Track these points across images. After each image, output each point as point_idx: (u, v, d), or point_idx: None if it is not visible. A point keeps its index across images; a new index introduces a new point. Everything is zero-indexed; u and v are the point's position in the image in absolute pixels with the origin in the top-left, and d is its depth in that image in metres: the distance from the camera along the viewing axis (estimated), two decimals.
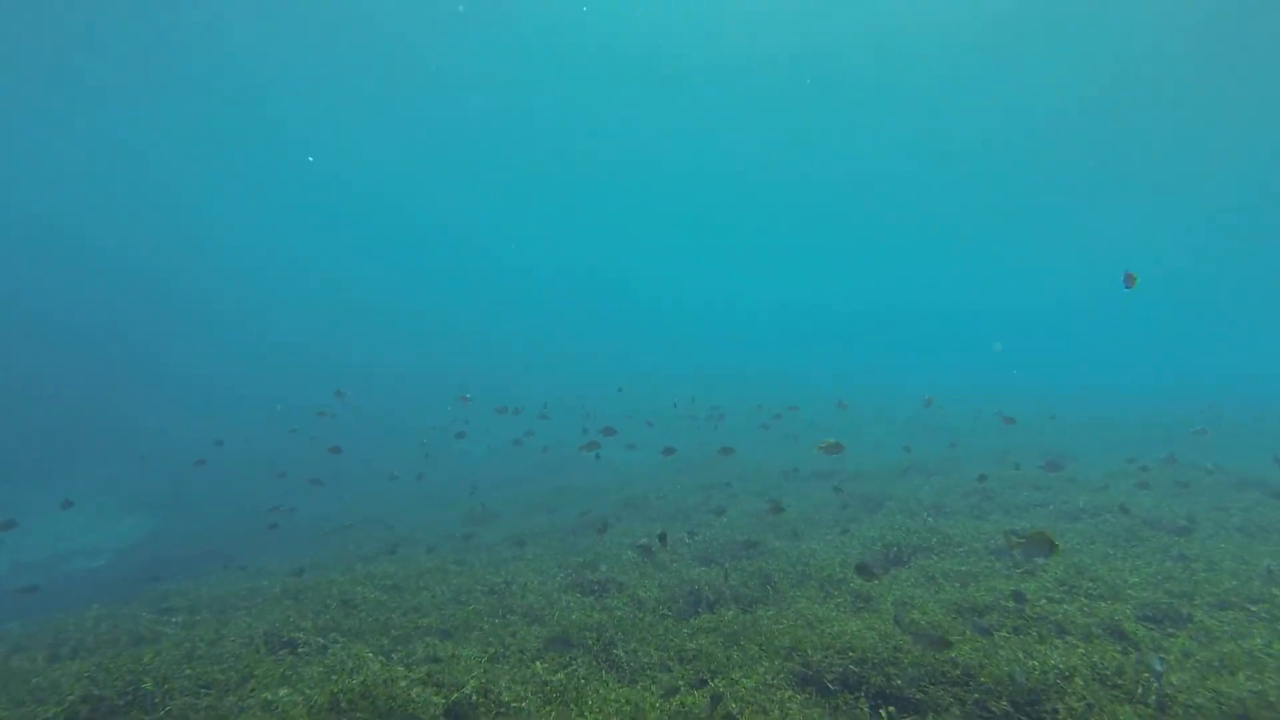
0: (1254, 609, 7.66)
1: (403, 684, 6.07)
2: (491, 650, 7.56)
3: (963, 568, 9.33)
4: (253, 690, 6.63)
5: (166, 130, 55.01)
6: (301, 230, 79.73)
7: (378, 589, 10.73)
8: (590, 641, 7.67)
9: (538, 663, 7.11)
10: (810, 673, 6.53)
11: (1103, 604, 7.74)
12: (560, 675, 6.69)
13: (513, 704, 5.91)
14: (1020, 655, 6.29)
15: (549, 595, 10.14)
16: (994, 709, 5.62)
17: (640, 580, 10.38)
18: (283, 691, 6.32)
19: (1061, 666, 6.02)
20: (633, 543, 13.96)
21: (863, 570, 7.70)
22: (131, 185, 58.86)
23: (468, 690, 6.01)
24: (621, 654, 7.40)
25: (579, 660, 7.27)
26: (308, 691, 6.17)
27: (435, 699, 5.85)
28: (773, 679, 6.41)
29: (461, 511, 20.79)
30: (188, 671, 6.99)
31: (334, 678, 6.49)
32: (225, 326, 61.06)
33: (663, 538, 9.42)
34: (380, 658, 7.45)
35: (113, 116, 50.59)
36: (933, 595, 8.33)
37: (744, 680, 6.37)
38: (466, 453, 33.83)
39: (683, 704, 5.83)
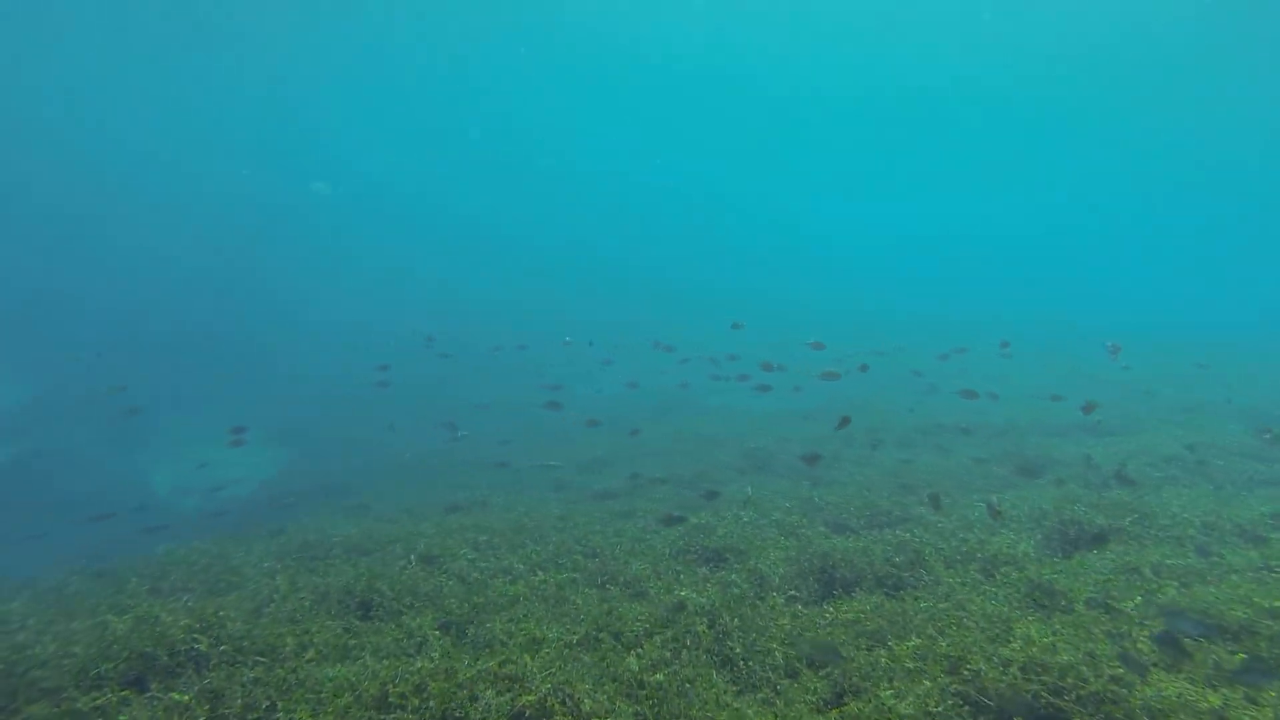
0: None
1: (465, 677, 5.03)
2: (581, 632, 6.44)
3: (1180, 561, 7.28)
4: (309, 661, 5.86)
5: (301, 71, 57.20)
6: (443, 170, 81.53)
7: (468, 545, 9.93)
8: (700, 630, 6.40)
9: (633, 655, 5.92)
10: (986, 700, 4.95)
11: None
12: (660, 675, 5.47)
13: (594, 716, 4.74)
14: None
15: (657, 562, 8.97)
16: None
17: (763, 549, 9.00)
18: (337, 670, 5.47)
19: None
20: (751, 499, 12.63)
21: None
22: (268, 129, 61.94)
23: (543, 691, 4.90)
24: (738, 649, 6.09)
25: (685, 653, 6.02)
26: (356, 678, 5.27)
27: (498, 700, 4.77)
28: (935, 704, 4.90)
29: (579, 456, 20.06)
30: (246, 631, 6.31)
31: (386, 663, 5.56)
32: (362, 267, 63.65)
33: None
34: (450, 636, 6.53)
35: (249, 61, 52.99)
36: (1144, 597, 6.43)
37: (896, 703, 4.89)
38: (597, 392, 33.34)
39: None
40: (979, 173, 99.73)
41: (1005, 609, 6.37)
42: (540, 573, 8.78)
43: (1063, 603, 6.40)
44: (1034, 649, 5.27)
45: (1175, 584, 6.72)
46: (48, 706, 5.42)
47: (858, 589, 7.64)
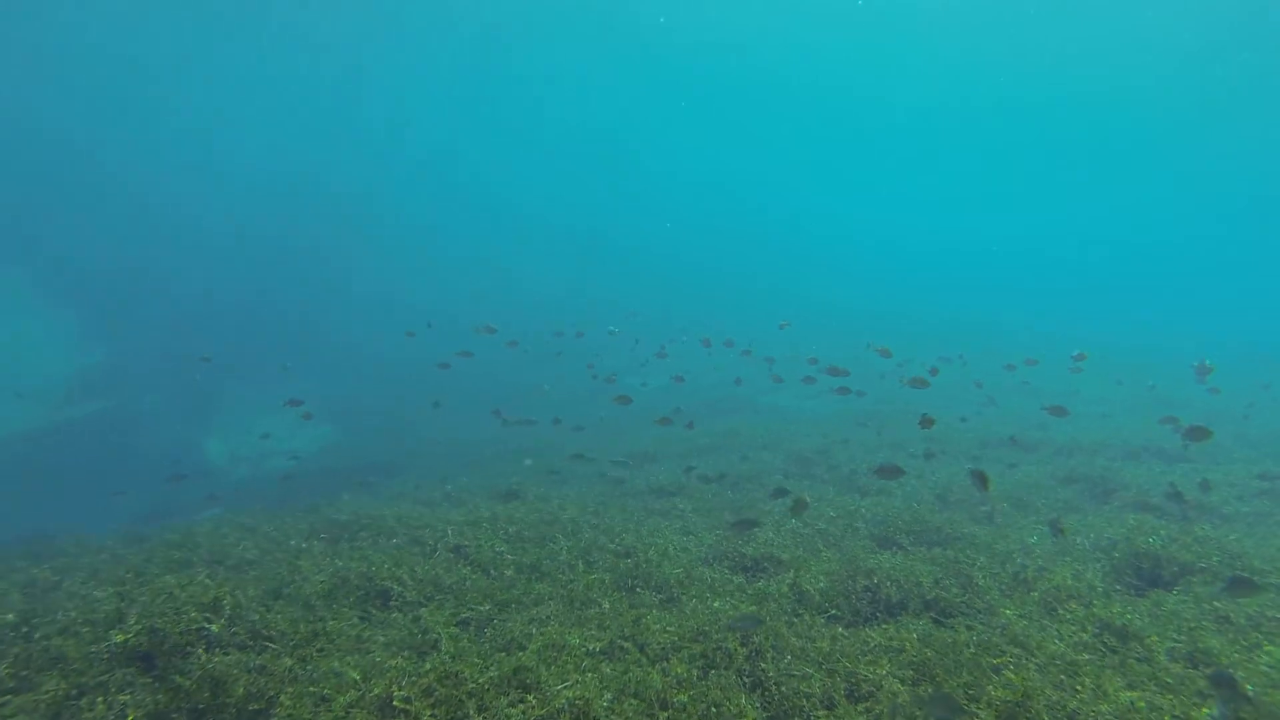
0: None
1: (476, 684, 4.69)
2: (605, 640, 6.06)
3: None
4: (319, 651, 5.63)
5: (362, 57, 58.12)
6: (494, 149, 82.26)
7: (499, 537, 9.65)
8: (732, 646, 5.95)
9: (658, 670, 5.51)
10: None
11: None
12: (685, 695, 5.06)
13: None
14: None
15: (691, 567, 8.55)
16: None
17: (805, 561, 8.49)
18: (345, 663, 5.22)
19: None
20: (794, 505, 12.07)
21: None
22: (327, 114, 63.16)
23: (558, 705, 4.54)
24: (771, 671, 5.63)
25: (714, 673, 5.58)
26: (363, 675, 4.99)
27: (510, 712, 4.42)
28: None
29: (621, 449, 19.70)
30: (261, 614, 6.12)
31: (395, 661, 5.27)
32: (414, 248, 64.55)
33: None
34: (468, 634, 6.23)
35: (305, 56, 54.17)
36: (1242, 653, 5.72)
37: None
38: (642, 385, 33.01)
39: None
40: (1071, 186, 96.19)
41: (1069, 650, 5.75)
42: (569, 571, 8.45)
43: (1139, 650, 5.74)
44: (1106, 706, 4.67)
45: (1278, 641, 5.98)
46: (58, 678, 5.31)
47: (903, 612, 7.08)
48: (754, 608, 6.98)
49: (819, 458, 16.79)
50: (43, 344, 33.79)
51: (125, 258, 41.47)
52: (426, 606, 7.15)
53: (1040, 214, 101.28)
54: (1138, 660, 5.57)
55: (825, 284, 69.99)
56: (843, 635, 6.37)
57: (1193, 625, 6.14)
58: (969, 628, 6.43)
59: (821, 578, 7.75)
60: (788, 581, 7.79)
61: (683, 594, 7.75)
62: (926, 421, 10.91)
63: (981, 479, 8.44)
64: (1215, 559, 7.82)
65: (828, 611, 7.03)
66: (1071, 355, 16.95)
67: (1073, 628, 6.22)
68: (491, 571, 8.43)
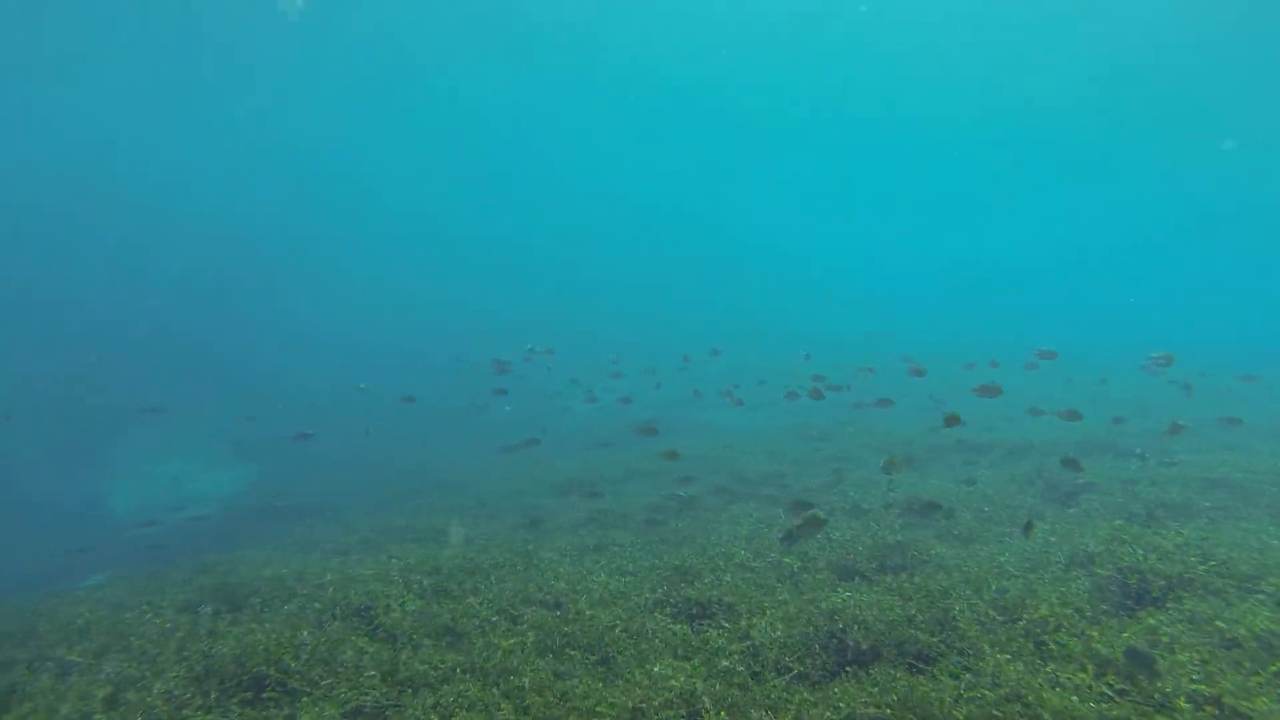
0: None
1: None
2: None
3: None
4: None
5: (317, 86, 56.21)
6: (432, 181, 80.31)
7: (413, 590, 8.37)
8: None
9: None
10: None
11: None
12: None
13: None
14: None
15: (630, 618, 7.42)
16: None
17: (758, 603, 7.47)
18: None
19: None
20: (745, 534, 11.10)
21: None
22: (264, 148, 60.62)
23: None
24: None
25: None
26: None
27: None
28: None
29: (552, 479, 18.48)
30: None
31: None
32: (346, 280, 62.17)
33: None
34: None
35: (259, 78, 51.95)
36: (1268, 688, 4.90)
37: None
38: (566, 409, 31.78)
39: None
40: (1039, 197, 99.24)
41: (1077, 702, 4.85)
42: (488, 631, 7.24)
43: (1156, 698, 4.87)
44: None
45: None
46: None
47: (876, 662, 6.10)
48: (703, 669, 5.91)
49: (760, 477, 15.94)
50: None
51: (19, 292, 38.32)
52: (308, 696, 5.86)
53: (994, 225, 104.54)
54: (1162, 712, 4.69)
55: (770, 302, 70.28)
56: (808, 700, 5.36)
57: (1205, 658, 5.32)
58: (954, 677, 5.49)
59: (779, 624, 6.73)
60: (739, 629, 6.76)
61: (618, 654, 6.63)
62: (952, 420, 10.20)
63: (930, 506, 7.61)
64: (1201, 568, 7.12)
65: (789, 670, 6.00)
66: (1036, 352, 16.59)
67: (1070, 668, 5.33)
68: (399, 639, 7.16)
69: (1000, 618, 6.49)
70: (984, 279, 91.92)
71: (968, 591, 7.09)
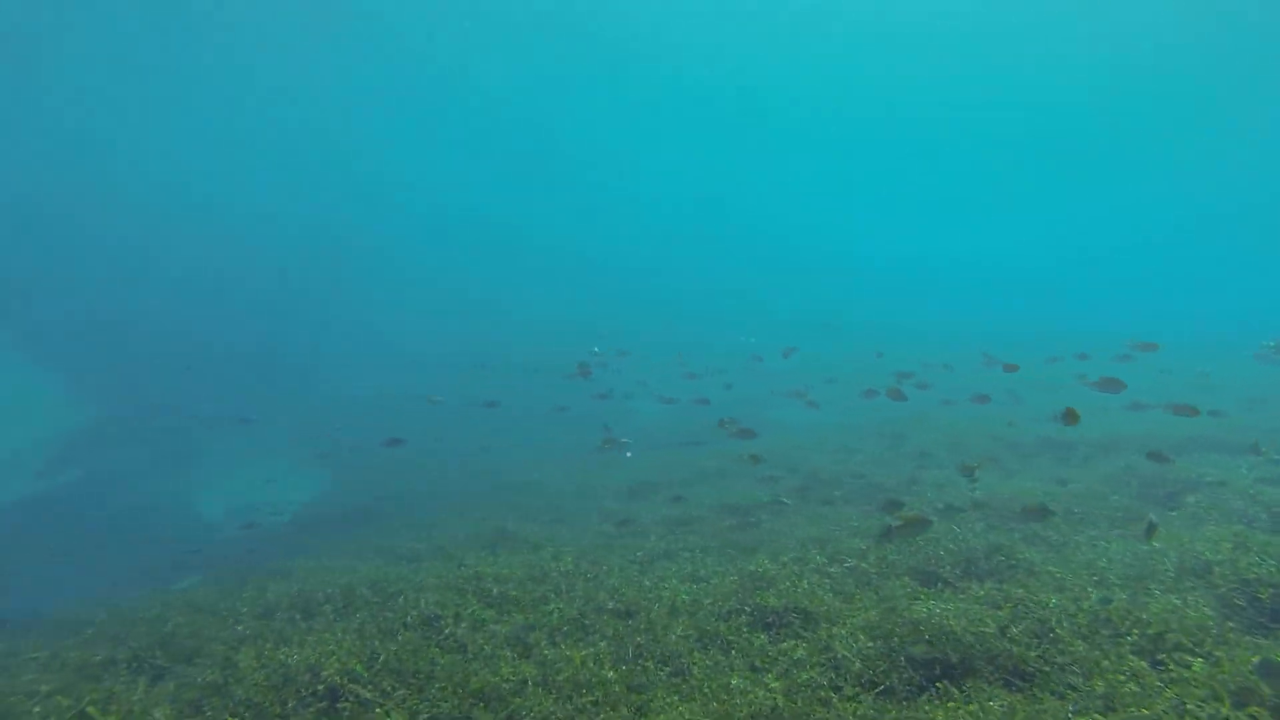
0: None
1: None
2: None
3: None
4: None
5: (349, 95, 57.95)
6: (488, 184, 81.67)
7: (483, 599, 8.33)
8: None
9: None
10: None
11: None
12: None
13: None
14: None
15: (704, 627, 7.20)
16: None
17: (837, 611, 7.14)
18: None
19: None
20: (819, 536, 10.72)
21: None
22: (311, 156, 62.73)
23: None
24: None
25: None
26: None
27: None
28: None
29: (621, 483, 18.34)
30: None
31: None
32: (413, 285, 63.63)
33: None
34: None
35: (308, 83, 53.86)
36: None
37: None
38: (634, 410, 31.62)
39: None
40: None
41: None
42: (559, 643, 7.12)
43: None
44: None
45: None
46: None
47: (968, 677, 5.71)
48: (782, 684, 5.63)
49: (832, 478, 15.41)
50: (27, 408, 32.69)
51: (109, 313, 40.54)
52: (382, 706, 5.84)
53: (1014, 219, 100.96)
54: None
55: (833, 299, 68.94)
56: (898, 719, 5.03)
57: None
58: (1059, 696, 5.07)
59: (860, 634, 6.39)
60: (819, 640, 6.45)
61: (693, 666, 6.41)
62: (1072, 416, 9.65)
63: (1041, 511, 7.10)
64: None
65: (874, 685, 5.66)
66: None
67: (1197, 694, 4.83)
68: (469, 648, 7.11)
69: (1106, 632, 5.99)
70: (1045, 271, 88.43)
71: (1065, 601, 6.59)
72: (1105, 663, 5.44)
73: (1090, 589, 6.97)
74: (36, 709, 6.44)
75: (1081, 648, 5.74)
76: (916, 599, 7.16)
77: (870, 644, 6.15)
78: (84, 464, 28.62)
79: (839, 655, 6.06)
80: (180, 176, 54.61)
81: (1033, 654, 5.76)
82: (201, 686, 6.37)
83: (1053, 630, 6.06)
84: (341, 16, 48.92)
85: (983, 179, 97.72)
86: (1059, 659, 5.66)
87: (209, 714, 5.89)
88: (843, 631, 6.50)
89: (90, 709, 6.16)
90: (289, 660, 6.54)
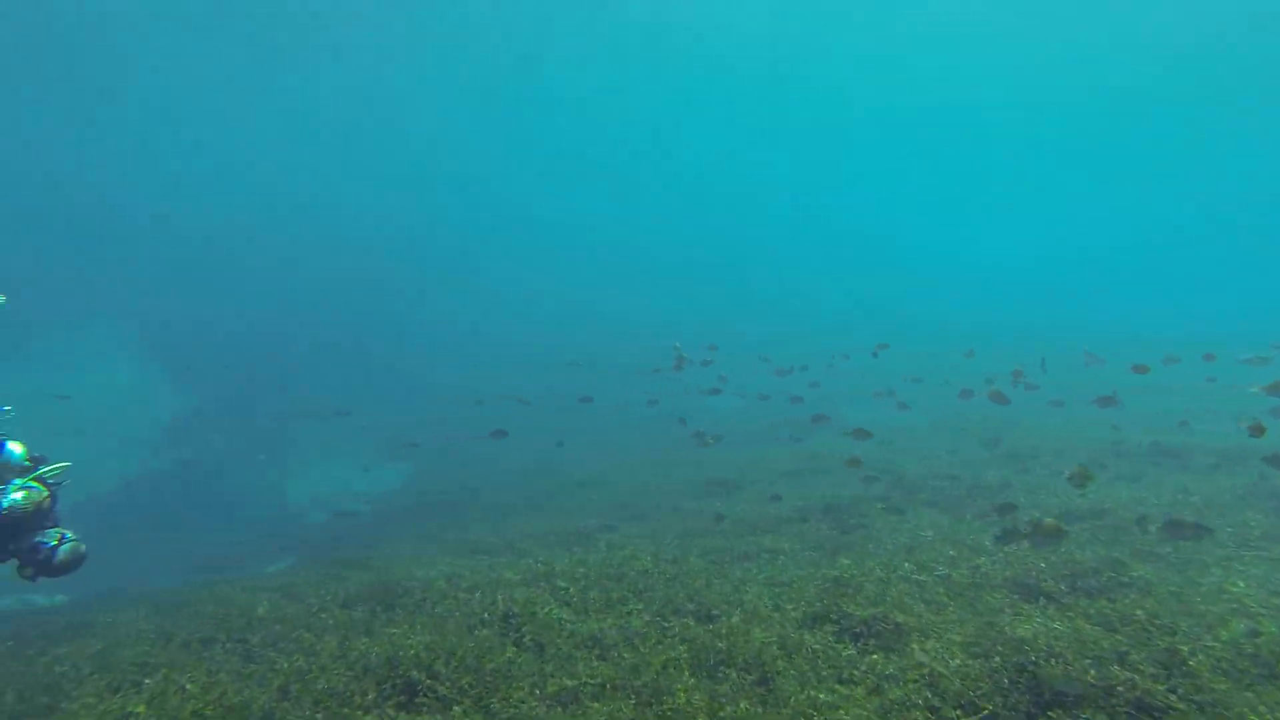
0: None
1: None
2: None
3: None
4: None
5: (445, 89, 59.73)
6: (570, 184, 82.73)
7: (559, 597, 8.23)
8: None
9: None
10: None
11: None
12: None
13: None
14: None
15: (787, 634, 6.89)
16: None
17: (927, 621, 6.71)
18: None
19: None
20: (906, 542, 10.22)
21: None
22: (402, 157, 64.77)
23: None
24: None
25: None
26: None
27: None
28: None
29: (699, 480, 18.05)
30: None
31: None
32: (504, 285, 64.91)
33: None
34: None
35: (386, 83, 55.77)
36: None
37: None
38: (711, 408, 31.22)
39: None
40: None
41: None
42: (637, 646, 6.94)
43: None
44: None
45: None
46: None
47: (1083, 707, 5.20)
48: (875, 704, 5.28)
49: (923, 481, 14.72)
50: (139, 396, 34.86)
51: (205, 308, 42.82)
52: (458, 705, 5.78)
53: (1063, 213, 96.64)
54: None
55: (916, 297, 66.89)
56: None
57: None
58: None
59: (956, 651, 5.95)
60: (912, 659, 6.03)
61: (777, 675, 6.11)
62: (1257, 429, 9.00)
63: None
64: None
65: (978, 709, 5.23)
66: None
67: None
68: (546, 648, 7.01)
69: (1257, 670, 5.36)
70: (1116, 269, 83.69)
71: (1197, 628, 5.97)
72: (1261, 708, 4.85)
73: (1229, 616, 6.29)
74: (147, 681, 6.72)
75: (1224, 687, 5.14)
76: (1018, 614, 6.64)
77: (969, 662, 5.71)
78: (187, 450, 30.31)
79: (934, 672, 5.65)
80: (275, 180, 57.31)
81: (1160, 686, 5.21)
82: (288, 672, 6.48)
83: (1184, 662, 5.46)
84: (429, 20, 50.50)
85: (1041, 175, 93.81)
86: (1196, 697, 5.09)
87: (295, 699, 5.96)
88: (937, 646, 6.09)
89: (190, 685, 6.34)
90: (369, 651, 6.60)
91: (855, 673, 6.03)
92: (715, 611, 7.83)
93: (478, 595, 8.45)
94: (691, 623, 7.55)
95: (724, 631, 7.03)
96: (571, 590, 8.51)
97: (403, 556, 12.12)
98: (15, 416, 6.49)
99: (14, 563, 5.69)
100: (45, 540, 5.51)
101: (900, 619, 6.90)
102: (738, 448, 22.14)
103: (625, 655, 6.69)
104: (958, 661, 5.78)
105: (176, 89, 46.86)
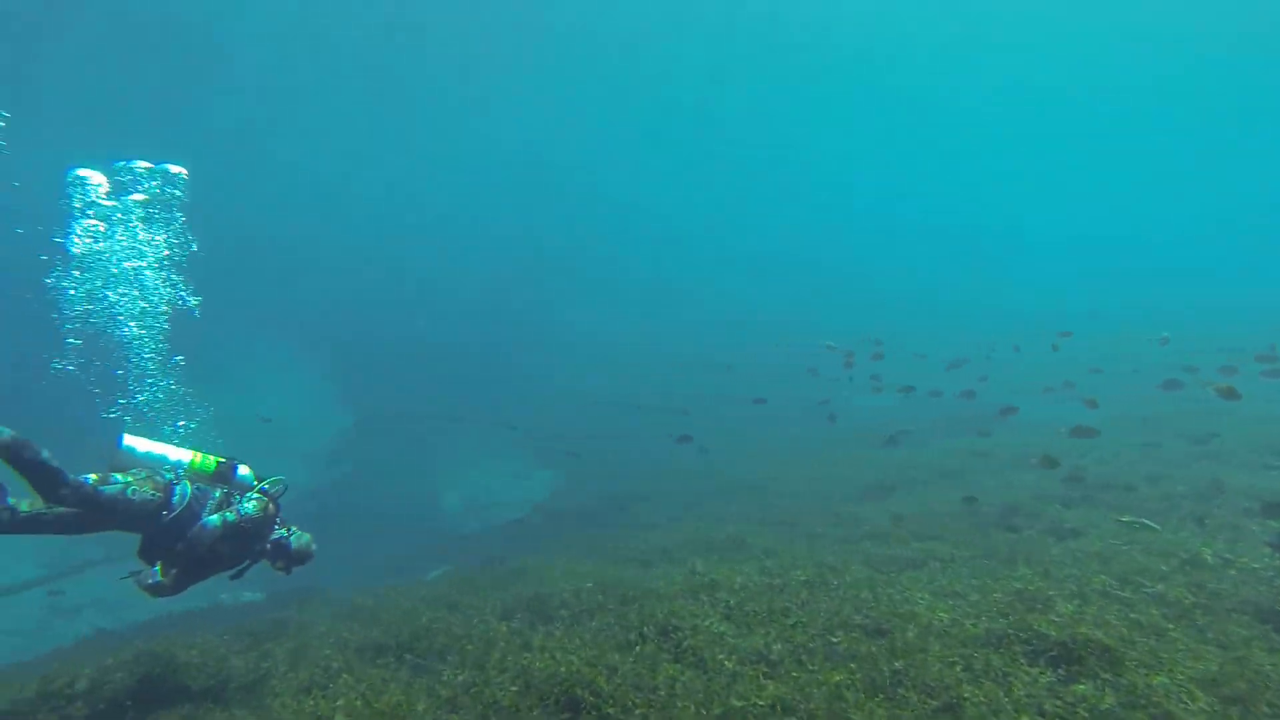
0: None
1: None
2: None
3: None
4: None
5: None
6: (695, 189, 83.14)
7: (719, 609, 7.92)
8: None
9: None
10: None
11: None
12: None
13: None
14: None
15: (970, 654, 6.22)
16: None
17: (1147, 649, 5.83)
18: None
19: None
20: (1097, 550, 9.13)
21: None
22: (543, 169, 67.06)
23: None
24: None
25: None
26: None
27: None
28: None
29: (856, 481, 17.18)
30: None
31: None
32: (654, 294, 66.11)
33: None
34: None
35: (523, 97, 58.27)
36: None
37: None
38: (877, 406, 29.87)
39: None
40: None
41: None
42: (805, 662, 6.50)
43: None
44: None
45: None
46: None
47: None
48: None
49: (1113, 481, 13.20)
50: (317, 414, 37.88)
51: (364, 325, 45.86)
52: None
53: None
54: None
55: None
56: None
57: None
58: None
59: (1195, 690, 5.08)
60: (1133, 692, 5.22)
61: (965, 703, 5.49)
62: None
63: None
64: None
65: None
66: None
67: None
68: (708, 664, 6.72)
69: None
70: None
71: None
72: None
73: None
74: (330, 685, 7.10)
75: None
76: (1275, 650, 5.62)
77: (1220, 708, 4.85)
78: (351, 461, 32.57)
79: (1170, 713, 4.85)
80: (431, 193, 61.10)
81: None
82: (455, 685, 6.58)
83: None
84: (567, 33, 52.50)
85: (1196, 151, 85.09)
86: None
87: (464, 713, 6.01)
88: (1167, 682, 5.24)
89: (368, 692, 6.58)
90: (531, 666, 6.57)
91: (1059, 704, 5.31)
92: (886, 626, 7.24)
93: (635, 607, 8.28)
94: (861, 638, 7.00)
95: (898, 649, 6.46)
96: (731, 601, 8.17)
97: (556, 565, 12.23)
98: (223, 441, 7.40)
99: (263, 563, 6.72)
100: (281, 535, 6.62)
101: (1110, 644, 6.04)
102: (898, 447, 21.00)
103: (794, 673, 6.28)
104: (1200, 703, 4.93)
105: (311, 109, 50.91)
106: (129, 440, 6.31)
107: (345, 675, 7.29)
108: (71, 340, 9.38)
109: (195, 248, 10.24)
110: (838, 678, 5.99)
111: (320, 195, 54.99)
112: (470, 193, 63.77)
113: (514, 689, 6.22)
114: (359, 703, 6.31)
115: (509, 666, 6.71)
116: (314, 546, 6.79)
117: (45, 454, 5.48)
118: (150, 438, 6.51)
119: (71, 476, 5.64)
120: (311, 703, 6.56)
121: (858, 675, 6.06)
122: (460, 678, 6.71)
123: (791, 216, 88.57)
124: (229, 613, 14.01)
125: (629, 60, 60.15)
